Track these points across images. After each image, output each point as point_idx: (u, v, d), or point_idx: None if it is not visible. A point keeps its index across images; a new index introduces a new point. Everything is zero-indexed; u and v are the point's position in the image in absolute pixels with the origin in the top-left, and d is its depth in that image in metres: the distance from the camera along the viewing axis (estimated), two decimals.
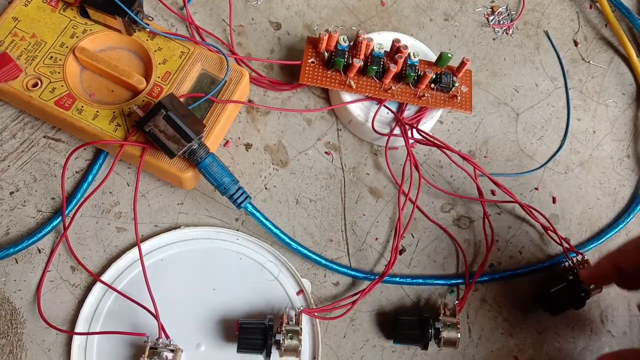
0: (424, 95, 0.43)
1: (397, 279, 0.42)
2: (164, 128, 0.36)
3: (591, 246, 0.45)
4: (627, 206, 0.47)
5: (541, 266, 0.44)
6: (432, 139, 0.42)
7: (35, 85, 0.39)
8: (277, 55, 0.47)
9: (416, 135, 0.43)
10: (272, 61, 0.47)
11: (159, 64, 0.41)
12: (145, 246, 0.40)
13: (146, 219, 0.41)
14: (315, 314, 0.39)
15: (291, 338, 0.36)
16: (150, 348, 0.36)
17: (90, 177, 0.41)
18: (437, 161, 0.46)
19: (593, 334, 0.43)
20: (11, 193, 0.41)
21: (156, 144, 0.37)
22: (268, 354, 0.36)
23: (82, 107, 0.39)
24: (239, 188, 0.39)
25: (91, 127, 0.38)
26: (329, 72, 0.43)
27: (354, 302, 0.39)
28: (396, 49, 0.43)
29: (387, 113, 0.44)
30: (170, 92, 0.39)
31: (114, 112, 0.39)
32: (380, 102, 0.44)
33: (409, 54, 0.43)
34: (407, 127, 0.43)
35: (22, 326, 0.38)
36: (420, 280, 0.42)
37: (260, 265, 0.41)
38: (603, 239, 0.45)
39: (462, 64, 0.43)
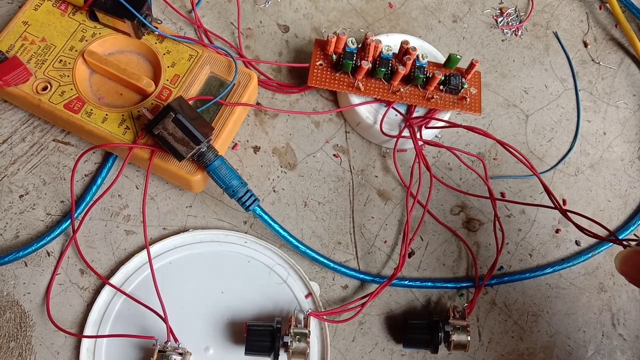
0: (432, 97, 0.43)
1: (406, 282, 0.42)
2: (173, 131, 0.36)
3: (602, 248, 0.44)
4: (638, 208, 0.46)
5: (551, 269, 0.43)
6: (450, 123, 0.43)
7: (44, 88, 0.39)
8: (285, 58, 0.47)
9: (425, 134, 0.43)
10: (280, 64, 0.47)
11: (168, 67, 0.41)
12: (154, 249, 0.40)
13: (155, 222, 0.41)
14: (324, 317, 0.39)
15: (299, 341, 0.36)
16: (159, 351, 0.36)
17: (99, 180, 0.41)
18: (446, 163, 0.45)
19: (605, 337, 0.43)
20: (21, 196, 0.41)
21: (165, 147, 0.37)
22: (276, 357, 0.36)
23: (91, 110, 0.39)
24: (247, 191, 0.39)
25: (100, 130, 0.38)
26: (337, 74, 0.43)
27: (362, 305, 0.39)
28: (404, 50, 0.43)
29: (396, 115, 0.44)
30: (179, 95, 0.39)
31: (123, 115, 0.39)
32: (388, 104, 0.44)
33: (417, 56, 0.43)
34: (416, 128, 0.43)
35: (31, 329, 0.38)
36: (430, 284, 0.42)
37: (268, 268, 0.41)
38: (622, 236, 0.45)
39: (471, 65, 0.43)
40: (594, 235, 0.36)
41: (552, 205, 0.38)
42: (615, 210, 0.46)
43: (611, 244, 0.44)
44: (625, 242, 0.34)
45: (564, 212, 0.37)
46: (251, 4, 0.48)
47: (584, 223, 0.38)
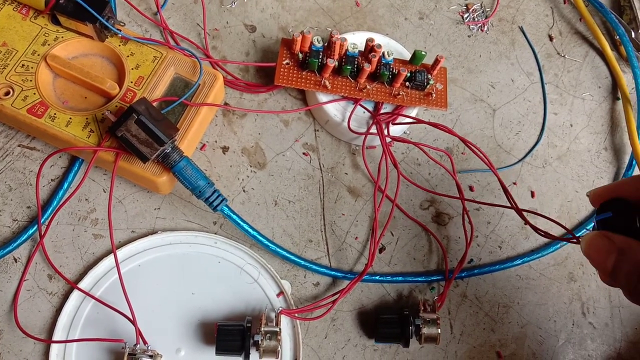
0: (399, 94, 0.43)
1: (377, 277, 0.42)
2: (136, 132, 0.36)
3: None
4: None
5: (521, 261, 0.44)
6: (416, 119, 0.43)
7: (7, 93, 0.39)
8: (253, 57, 0.47)
9: (393, 131, 0.43)
10: (247, 63, 0.47)
11: (132, 69, 0.40)
12: (123, 252, 0.40)
13: (123, 225, 0.41)
14: (295, 314, 0.39)
15: (270, 339, 0.36)
16: (129, 354, 0.35)
17: (65, 185, 0.41)
18: (414, 159, 0.46)
19: (575, 326, 0.43)
20: None
21: (129, 149, 0.36)
22: (247, 356, 0.36)
23: (55, 114, 0.39)
24: (215, 191, 0.38)
25: (64, 134, 0.38)
26: (303, 73, 0.43)
27: (333, 302, 0.39)
28: (370, 48, 0.43)
29: (364, 112, 0.44)
30: (142, 97, 0.39)
31: (87, 119, 0.39)
32: (355, 101, 0.44)
33: (383, 53, 0.43)
34: (383, 125, 0.43)
35: None
36: (400, 278, 0.42)
37: (239, 268, 0.41)
38: (582, 232, 0.45)
39: (436, 61, 0.44)
40: (545, 235, 0.37)
41: (509, 205, 0.39)
42: (583, 200, 0.47)
43: (579, 234, 0.45)
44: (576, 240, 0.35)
45: (519, 212, 0.38)
46: (217, 5, 0.48)
47: (553, 212, 0.39)
